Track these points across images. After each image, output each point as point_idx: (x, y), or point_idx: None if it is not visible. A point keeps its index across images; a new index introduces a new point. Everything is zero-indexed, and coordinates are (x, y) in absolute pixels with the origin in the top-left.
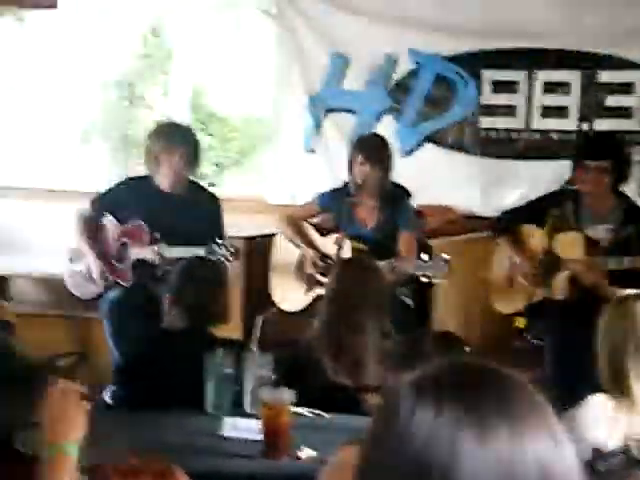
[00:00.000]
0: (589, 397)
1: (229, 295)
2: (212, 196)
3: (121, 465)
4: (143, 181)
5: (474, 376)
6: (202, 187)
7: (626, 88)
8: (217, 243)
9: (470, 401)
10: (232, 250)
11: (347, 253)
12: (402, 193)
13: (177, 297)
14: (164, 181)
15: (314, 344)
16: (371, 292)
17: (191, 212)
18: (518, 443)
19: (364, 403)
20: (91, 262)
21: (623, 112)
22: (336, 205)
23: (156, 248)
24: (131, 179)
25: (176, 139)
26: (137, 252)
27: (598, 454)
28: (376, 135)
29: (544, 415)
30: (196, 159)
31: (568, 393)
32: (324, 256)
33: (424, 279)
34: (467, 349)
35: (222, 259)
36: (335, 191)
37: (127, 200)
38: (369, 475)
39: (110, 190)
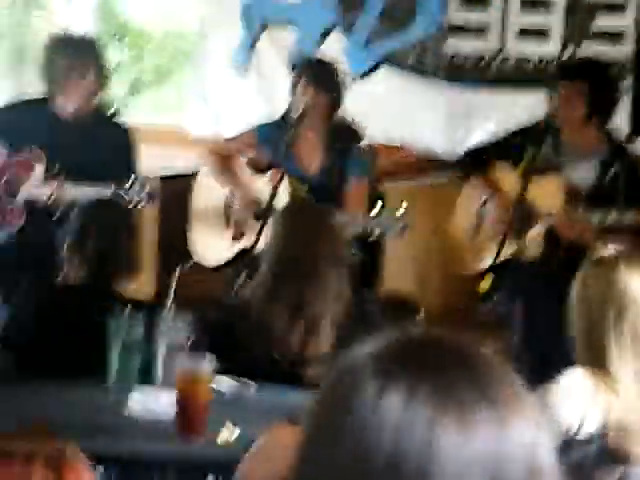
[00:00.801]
0: (563, 373)
1: (140, 245)
2: (122, 125)
3: (4, 447)
4: (39, 105)
5: (446, 353)
6: (110, 114)
7: (617, 7)
8: (129, 183)
9: (445, 383)
10: (147, 191)
11: (284, 197)
12: (353, 132)
13: (76, 245)
14: (66, 106)
15: (254, 302)
16: (328, 244)
17: (97, 143)
18: (502, 428)
19: (306, 373)
20: None
21: (613, 36)
22: (276, 140)
23: (53, 185)
24: (24, 102)
25: (83, 56)
26: (29, 189)
27: (571, 441)
28: (325, 60)
29: (523, 397)
30: (104, 81)
31: (539, 367)
32: (256, 200)
33: (372, 238)
34: (421, 315)
35: (134, 202)
36: (276, 123)
37: (19, 126)
38: (319, 469)
39: (0, 111)
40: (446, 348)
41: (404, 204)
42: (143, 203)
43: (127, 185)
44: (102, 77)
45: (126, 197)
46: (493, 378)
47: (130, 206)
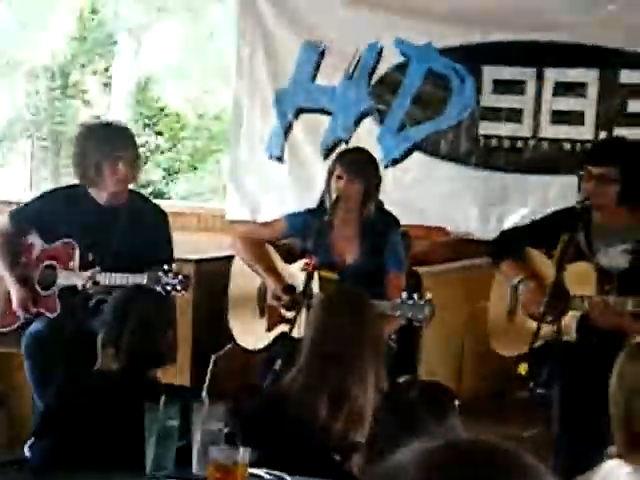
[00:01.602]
0: (602, 463)
1: (176, 332)
2: (158, 209)
3: None
4: (75, 192)
5: (484, 462)
6: (145, 198)
7: None
8: (164, 270)
9: None
10: (182, 278)
11: (316, 284)
12: (390, 222)
13: (112, 335)
14: (103, 193)
15: (293, 392)
16: (369, 331)
17: (132, 229)
18: None
19: (346, 464)
20: (10, 287)
21: None
22: (308, 229)
23: (89, 273)
24: (60, 189)
25: (119, 143)
26: (66, 277)
27: None
28: (360, 148)
29: None
30: (138, 167)
31: (578, 455)
32: (288, 287)
33: (402, 322)
34: (457, 403)
35: (169, 289)
36: (308, 213)
37: (56, 214)
38: None
39: (35, 201)
40: (493, 462)
41: (429, 294)
42: (178, 289)
43: (161, 272)
44: (136, 163)
45: (160, 284)
46: None
47: (164, 293)
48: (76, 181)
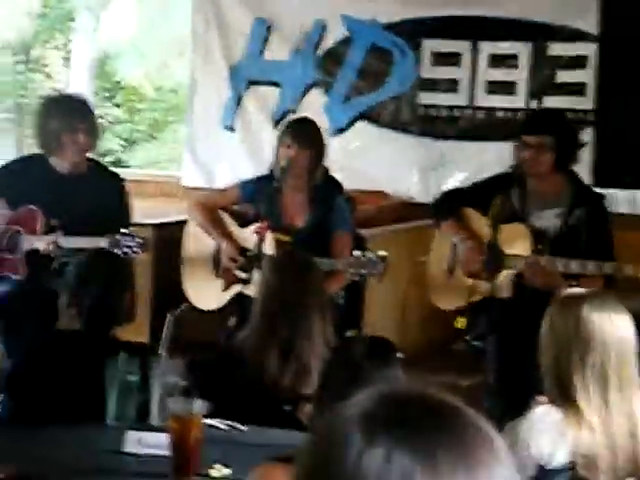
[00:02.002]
0: (533, 408)
1: (134, 293)
2: (115, 177)
3: None
4: (36, 161)
5: (423, 412)
6: (103, 167)
7: (579, 62)
8: (122, 233)
9: (423, 444)
10: (140, 241)
11: (270, 247)
12: (335, 186)
13: (74, 296)
14: (63, 162)
15: (246, 347)
16: (314, 292)
17: (92, 196)
18: None
19: (298, 414)
20: None
21: (575, 88)
22: (260, 195)
23: (52, 237)
24: (23, 158)
25: (78, 115)
26: (30, 242)
27: (542, 472)
28: (306, 118)
29: (498, 453)
30: (97, 137)
31: (511, 402)
32: (243, 249)
33: (356, 278)
34: (400, 355)
35: (128, 251)
36: (260, 180)
37: (18, 183)
38: None
39: None
40: (428, 408)
41: (383, 251)
42: (135, 251)
43: (119, 236)
44: (94, 134)
45: (119, 247)
46: (475, 440)
47: (123, 255)
48: (38, 151)
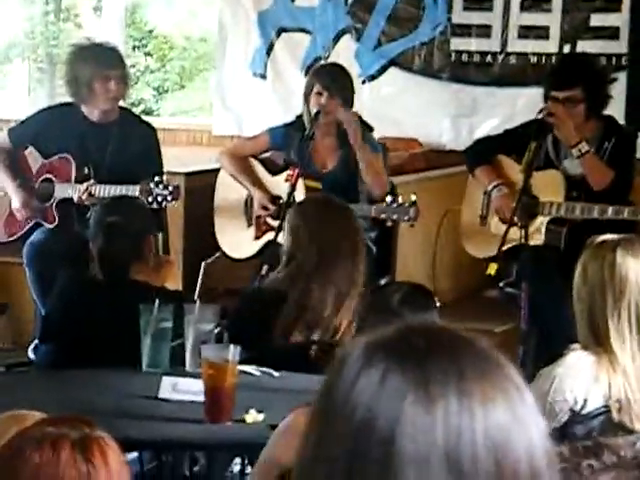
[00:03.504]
0: (567, 354)
1: (166, 239)
2: (148, 126)
3: (34, 431)
4: (69, 109)
5: (429, 340)
6: (135, 115)
7: (613, 5)
8: (155, 181)
9: (417, 368)
10: (172, 189)
11: (301, 193)
12: (364, 126)
13: (99, 241)
14: (95, 110)
15: (272, 294)
16: (344, 237)
17: (125, 144)
18: (467, 415)
19: (319, 360)
20: (12, 193)
21: (609, 32)
22: (289, 142)
23: (84, 186)
24: (55, 107)
25: (109, 63)
26: (63, 190)
27: (576, 416)
28: (336, 64)
29: (503, 386)
30: (127, 85)
31: (545, 348)
32: (274, 197)
33: (389, 224)
34: (437, 304)
35: (160, 200)
36: (288, 126)
37: (51, 131)
38: (310, 443)
39: (31, 118)
40: (435, 334)
41: (413, 196)
42: (169, 200)
43: (152, 184)
44: (125, 82)
45: (152, 195)
46: (474, 365)
47: (155, 204)
48: (70, 99)
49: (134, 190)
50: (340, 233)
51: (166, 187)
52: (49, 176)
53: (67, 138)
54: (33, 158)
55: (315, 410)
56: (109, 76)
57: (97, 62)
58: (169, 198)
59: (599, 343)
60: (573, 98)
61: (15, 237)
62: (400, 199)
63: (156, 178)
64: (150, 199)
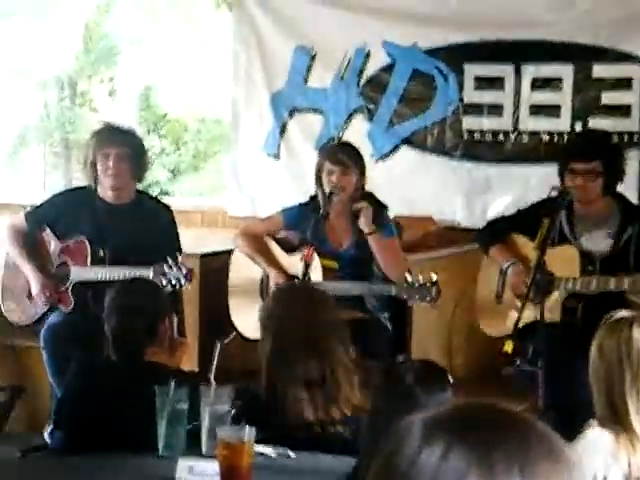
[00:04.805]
0: (585, 432)
1: (173, 319)
2: (164, 207)
3: None
4: (83, 192)
5: (487, 417)
6: (152, 197)
7: (623, 83)
8: (168, 263)
9: (480, 446)
10: (186, 272)
11: (317, 273)
12: (378, 206)
13: (112, 323)
14: (106, 191)
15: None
16: (329, 319)
17: (140, 226)
18: None
19: (336, 437)
20: (30, 276)
21: (620, 110)
22: (303, 222)
23: (99, 269)
24: (70, 190)
25: (113, 142)
26: (79, 273)
27: None
28: (344, 142)
29: (565, 469)
30: (141, 165)
31: (563, 426)
32: (290, 277)
33: (410, 303)
34: (450, 379)
35: (174, 282)
36: (302, 206)
37: (67, 213)
38: None
39: (47, 202)
40: (490, 412)
41: (434, 275)
42: (182, 282)
43: (166, 266)
44: (143, 164)
45: (165, 277)
46: (533, 446)
47: (169, 287)
48: (88, 183)
49: (148, 272)
50: (321, 318)
51: (180, 269)
52: (65, 259)
53: (82, 220)
54: (49, 241)
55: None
56: (108, 153)
57: (98, 141)
58: (183, 281)
59: (618, 421)
60: (592, 171)
61: (32, 321)
62: (421, 279)
63: (170, 260)
64: (164, 281)
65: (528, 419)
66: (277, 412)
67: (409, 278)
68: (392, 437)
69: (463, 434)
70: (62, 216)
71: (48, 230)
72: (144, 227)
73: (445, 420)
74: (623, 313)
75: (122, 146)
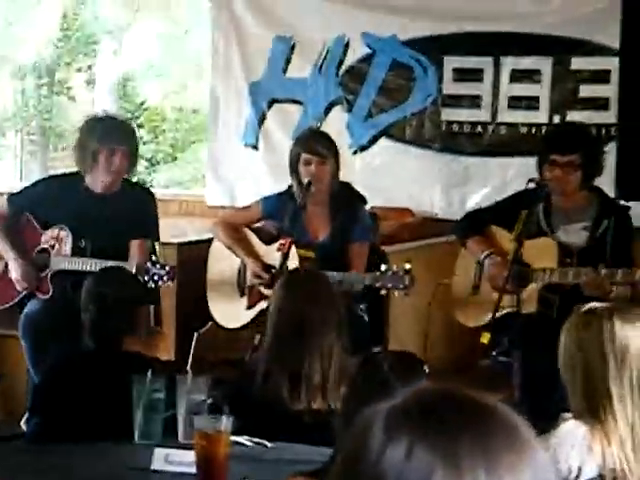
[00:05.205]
0: (560, 423)
1: (148, 308)
2: (145, 191)
3: None
4: (70, 179)
5: (450, 410)
6: (134, 183)
7: (601, 76)
8: (151, 260)
9: (444, 441)
10: (168, 269)
11: (294, 262)
12: (356, 199)
13: (89, 312)
14: (98, 182)
15: (262, 366)
16: (326, 307)
17: (123, 216)
18: None
19: (326, 427)
20: (12, 262)
21: (598, 103)
22: (281, 212)
23: (80, 260)
24: (56, 176)
25: (119, 137)
26: (58, 262)
27: None
28: (320, 132)
29: (529, 457)
30: (135, 162)
31: (538, 417)
32: (267, 266)
33: (383, 292)
34: (426, 370)
35: (157, 279)
36: (280, 195)
37: (51, 200)
38: None
39: (32, 187)
40: (453, 402)
41: (408, 264)
42: (165, 280)
43: (149, 263)
44: (132, 159)
45: (148, 274)
46: (498, 433)
47: (150, 283)
48: (75, 169)
49: (131, 267)
50: (318, 306)
51: (163, 267)
52: (45, 246)
53: (66, 209)
54: (31, 226)
55: (337, 477)
56: (114, 150)
57: (105, 134)
58: (165, 278)
59: (594, 414)
60: (572, 163)
61: (7, 306)
62: (394, 267)
63: (153, 257)
64: (146, 277)
65: (490, 405)
66: (269, 401)
67: (382, 267)
68: (354, 433)
69: (425, 429)
70: (46, 202)
71: (30, 216)
72: (126, 217)
73: (407, 412)
74: (596, 304)
75: (127, 144)
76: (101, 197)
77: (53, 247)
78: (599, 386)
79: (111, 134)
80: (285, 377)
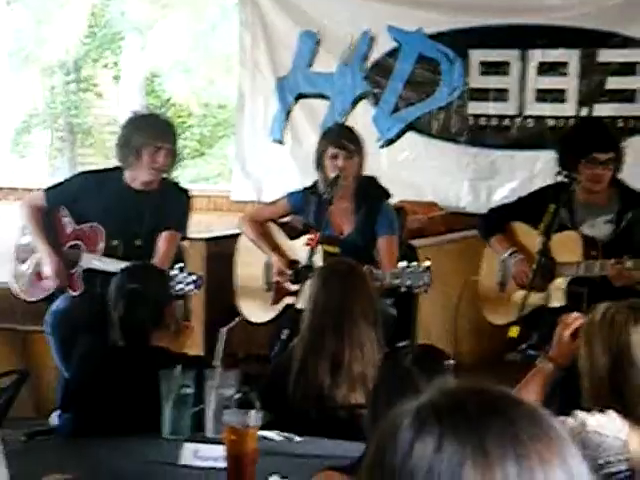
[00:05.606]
0: (589, 415)
1: (179, 306)
2: (183, 191)
3: None
4: (109, 175)
5: (478, 404)
6: (174, 183)
7: (628, 69)
8: (179, 267)
9: (473, 433)
10: (195, 278)
11: (319, 258)
12: (381, 193)
13: (114, 311)
14: (139, 179)
15: (295, 358)
16: (361, 299)
17: (162, 213)
18: (527, 478)
19: (356, 422)
20: (45, 256)
21: (625, 95)
22: (307, 207)
23: (110, 261)
24: (95, 171)
25: (164, 135)
26: (89, 260)
27: (601, 477)
28: (346, 126)
29: (557, 446)
30: (177, 159)
31: (568, 411)
32: (291, 262)
33: (403, 289)
34: (451, 362)
35: (183, 287)
36: (306, 190)
37: (88, 196)
38: None
39: (69, 181)
40: (482, 397)
41: (427, 261)
42: (192, 288)
43: (176, 270)
44: (173, 158)
45: (175, 282)
46: (527, 428)
47: (179, 292)
48: (114, 166)
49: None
50: (353, 297)
51: (190, 275)
52: (78, 242)
53: (101, 205)
54: (65, 221)
55: (368, 477)
56: (159, 147)
57: (151, 131)
58: (192, 287)
59: (623, 404)
60: (611, 160)
61: (38, 300)
62: (413, 265)
63: (181, 264)
64: (175, 287)
65: (517, 399)
66: (304, 394)
67: (402, 263)
68: (383, 429)
69: (454, 422)
70: (83, 197)
71: (65, 210)
72: (164, 215)
73: (436, 407)
74: (607, 304)
75: (171, 142)
76: (140, 193)
77: (85, 243)
78: (628, 380)
79: (156, 131)
80: (325, 367)
